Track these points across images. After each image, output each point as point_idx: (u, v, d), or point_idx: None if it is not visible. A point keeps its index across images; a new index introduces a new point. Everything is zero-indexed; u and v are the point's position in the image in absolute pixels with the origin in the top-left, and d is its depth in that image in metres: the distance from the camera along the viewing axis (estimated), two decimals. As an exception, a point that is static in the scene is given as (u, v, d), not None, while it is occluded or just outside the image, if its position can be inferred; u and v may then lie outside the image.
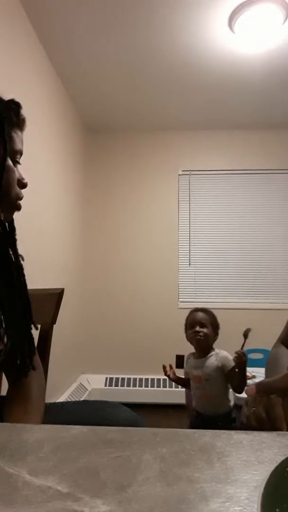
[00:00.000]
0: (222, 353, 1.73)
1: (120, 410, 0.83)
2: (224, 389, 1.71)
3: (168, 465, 0.42)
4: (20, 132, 0.76)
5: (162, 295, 3.26)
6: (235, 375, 1.65)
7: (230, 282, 3.25)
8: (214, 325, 1.77)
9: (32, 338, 0.82)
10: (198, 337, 1.72)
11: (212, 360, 1.71)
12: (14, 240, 0.77)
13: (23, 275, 0.79)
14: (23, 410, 0.73)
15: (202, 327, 1.73)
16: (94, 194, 3.38)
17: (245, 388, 0.61)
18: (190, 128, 3.35)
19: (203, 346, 1.74)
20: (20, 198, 0.77)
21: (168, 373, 1.80)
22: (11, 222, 0.77)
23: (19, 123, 0.76)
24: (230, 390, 1.73)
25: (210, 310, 1.82)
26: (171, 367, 1.82)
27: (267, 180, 3.31)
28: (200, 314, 1.78)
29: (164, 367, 1.81)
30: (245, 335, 1.70)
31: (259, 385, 0.60)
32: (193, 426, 1.74)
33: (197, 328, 1.73)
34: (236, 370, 1.62)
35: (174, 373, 1.82)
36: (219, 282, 3.26)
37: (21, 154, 0.77)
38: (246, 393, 0.61)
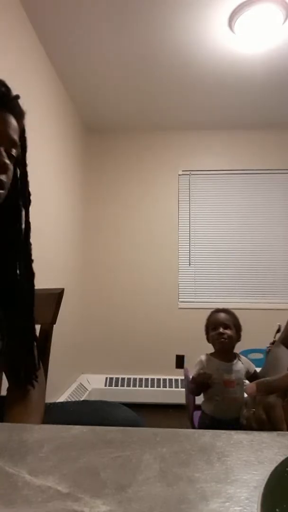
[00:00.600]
0: (245, 358, 1.72)
1: (120, 410, 0.83)
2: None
3: (168, 465, 0.42)
4: (5, 111, 0.70)
5: (162, 295, 3.26)
6: (255, 379, 1.65)
7: (230, 282, 3.25)
8: (237, 326, 1.71)
9: (34, 345, 0.81)
10: (223, 339, 1.65)
11: (241, 364, 1.68)
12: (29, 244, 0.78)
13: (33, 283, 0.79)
14: (23, 410, 0.73)
15: (225, 329, 1.66)
16: (94, 194, 3.39)
17: (244, 387, 0.60)
18: (190, 128, 3.35)
19: (227, 349, 1.68)
20: None
21: (207, 378, 1.65)
22: (28, 227, 0.77)
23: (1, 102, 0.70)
24: None
25: (232, 311, 1.76)
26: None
27: (267, 180, 3.31)
28: (223, 315, 1.71)
29: (203, 374, 1.65)
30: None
31: (259, 384, 0.60)
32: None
33: (221, 330, 1.66)
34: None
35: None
36: (219, 282, 3.26)
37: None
38: (246, 391, 0.61)
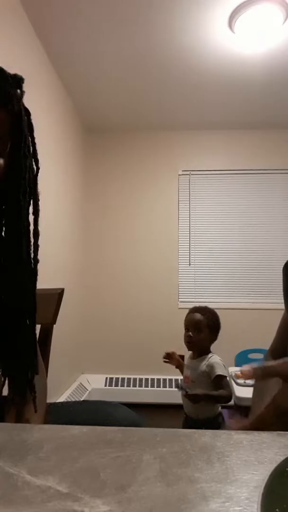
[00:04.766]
0: (212, 359, 1.68)
1: (120, 410, 0.83)
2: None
3: (168, 465, 0.42)
4: None
5: (162, 295, 3.26)
6: (218, 384, 1.60)
7: (230, 282, 3.25)
8: (212, 327, 1.70)
9: (35, 345, 0.79)
10: (188, 342, 1.69)
11: (202, 364, 1.67)
12: (37, 246, 0.74)
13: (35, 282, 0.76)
14: (24, 411, 0.73)
15: (195, 331, 1.67)
16: (94, 194, 3.38)
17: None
18: (190, 128, 3.35)
19: (194, 350, 1.71)
20: None
21: (172, 361, 1.75)
22: (36, 229, 0.73)
23: None
24: None
25: (211, 310, 1.74)
26: (173, 356, 1.78)
27: (267, 180, 3.31)
28: (197, 316, 1.71)
29: (168, 356, 1.75)
30: None
31: (256, 369, 0.58)
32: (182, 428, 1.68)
33: (190, 333, 1.68)
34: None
35: (178, 361, 1.78)
36: (219, 282, 3.25)
37: None
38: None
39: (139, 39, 2.16)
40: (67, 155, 2.81)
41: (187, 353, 1.86)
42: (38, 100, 2.20)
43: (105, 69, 2.46)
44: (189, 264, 3.29)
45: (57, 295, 1.07)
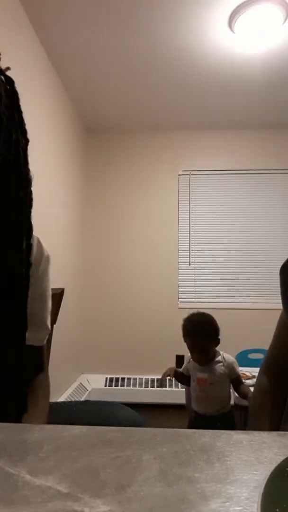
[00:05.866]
0: (229, 359, 1.72)
1: (121, 410, 0.83)
2: (227, 391, 1.72)
3: (168, 465, 0.41)
4: None
5: (162, 295, 3.26)
6: (238, 383, 1.68)
7: (230, 282, 3.25)
8: (214, 336, 1.72)
9: (23, 359, 0.71)
10: (200, 361, 1.71)
11: (220, 365, 1.70)
12: (30, 245, 0.70)
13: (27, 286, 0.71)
14: (29, 411, 0.72)
15: (204, 353, 1.69)
16: (94, 194, 3.39)
17: None
18: (190, 128, 3.35)
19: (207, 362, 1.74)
20: None
21: (169, 374, 1.80)
22: (30, 223, 0.69)
23: None
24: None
25: (209, 323, 1.72)
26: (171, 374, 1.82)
27: (267, 180, 3.31)
28: (200, 338, 1.69)
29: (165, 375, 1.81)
30: None
31: None
32: (192, 427, 1.71)
33: (198, 354, 1.70)
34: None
35: (175, 372, 1.82)
36: (219, 282, 3.25)
37: None
38: None
39: (139, 39, 2.16)
40: (67, 155, 2.81)
41: (188, 354, 1.86)
42: (38, 100, 2.20)
43: (105, 69, 2.46)
44: (189, 264, 3.29)
45: (57, 295, 1.07)
